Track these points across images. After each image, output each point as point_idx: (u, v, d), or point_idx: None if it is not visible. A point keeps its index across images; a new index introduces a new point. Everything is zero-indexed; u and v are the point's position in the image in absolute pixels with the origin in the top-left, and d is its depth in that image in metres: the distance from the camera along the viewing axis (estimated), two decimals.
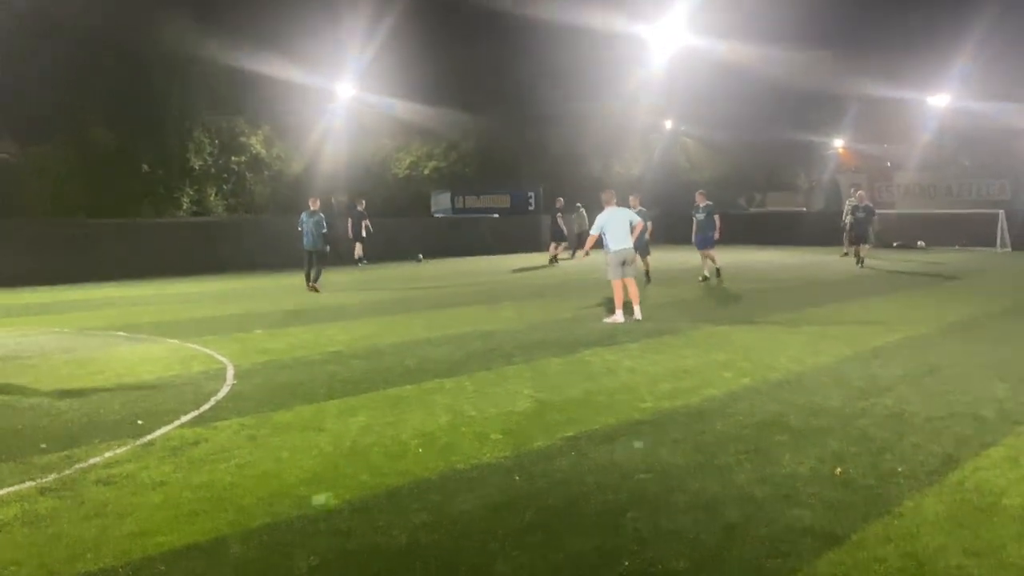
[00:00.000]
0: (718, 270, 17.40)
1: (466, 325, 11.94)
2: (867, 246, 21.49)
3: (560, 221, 25.44)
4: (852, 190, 28.28)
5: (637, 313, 11.91)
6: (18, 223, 22.90)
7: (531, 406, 7.00)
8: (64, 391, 7.86)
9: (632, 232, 11.96)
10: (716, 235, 17.30)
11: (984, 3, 35.15)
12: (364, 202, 26.70)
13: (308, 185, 33.38)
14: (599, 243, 12.34)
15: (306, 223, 17.50)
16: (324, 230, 17.66)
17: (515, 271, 22.79)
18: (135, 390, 7.86)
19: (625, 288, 11.93)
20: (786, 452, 5.61)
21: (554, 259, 25.00)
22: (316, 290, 17.32)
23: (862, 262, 20.89)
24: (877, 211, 28.73)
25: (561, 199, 26.25)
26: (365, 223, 25.66)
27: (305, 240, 17.54)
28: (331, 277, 20.56)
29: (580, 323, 11.95)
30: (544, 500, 4.83)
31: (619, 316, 11.80)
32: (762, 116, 41.24)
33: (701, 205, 17.60)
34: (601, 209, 12.24)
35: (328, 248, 18.26)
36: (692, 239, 17.77)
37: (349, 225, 25.58)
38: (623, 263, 11.85)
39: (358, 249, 25.75)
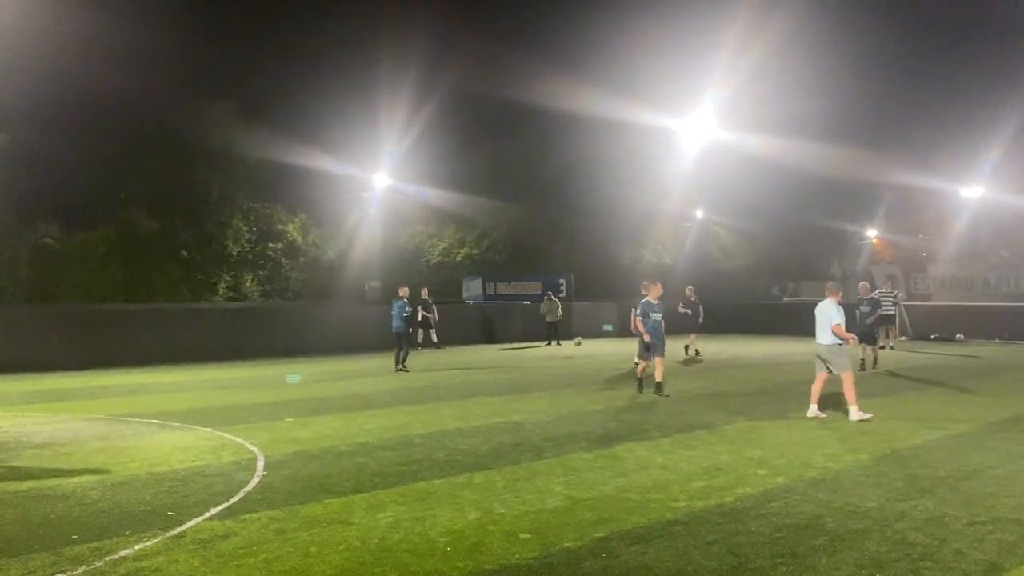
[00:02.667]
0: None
1: (496, 416, 11.90)
2: (870, 348, 18.19)
3: (686, 308, 22.55)
4: (886, 280, 28.07)
5: (853, 414, 11.14)
6: (58, 307, 23.45)
7: (561, 503, 6.91)
8: (97, 480, 7.92)
9: (828, 328, 11.32)
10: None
11: (1015, 96, 35.47)
12: (427, 290, 27.35)
13: (343, 272, 34.02)
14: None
15: (393, 308, 19.49)
16: (405, 315, 19.43)
17: (546, 359, 22.74)
18: (167, 480, 7.89)
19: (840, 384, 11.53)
20: (822, 556, 5.47)
21: (692, 349, 22.49)
22: (405, 370, 18.96)
23: (864, 364, 17.85)
24: (905, 303, 28.44)
25: (691, 287, 23.42)
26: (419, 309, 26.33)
27: (392, 323, 19.43)
28: (374, 363, 20.79)
29: (612, 415, 11.85)
30: None
31: (812, 410, 11.55)
32: (794, 205, 41.48)
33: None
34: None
35: (409, 330, 19.70)
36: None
37: (430, 311, 26.37)
38: (818, 356, 11.58)
39: (432, 335, 26.50)
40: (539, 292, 33.95)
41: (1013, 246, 34.45)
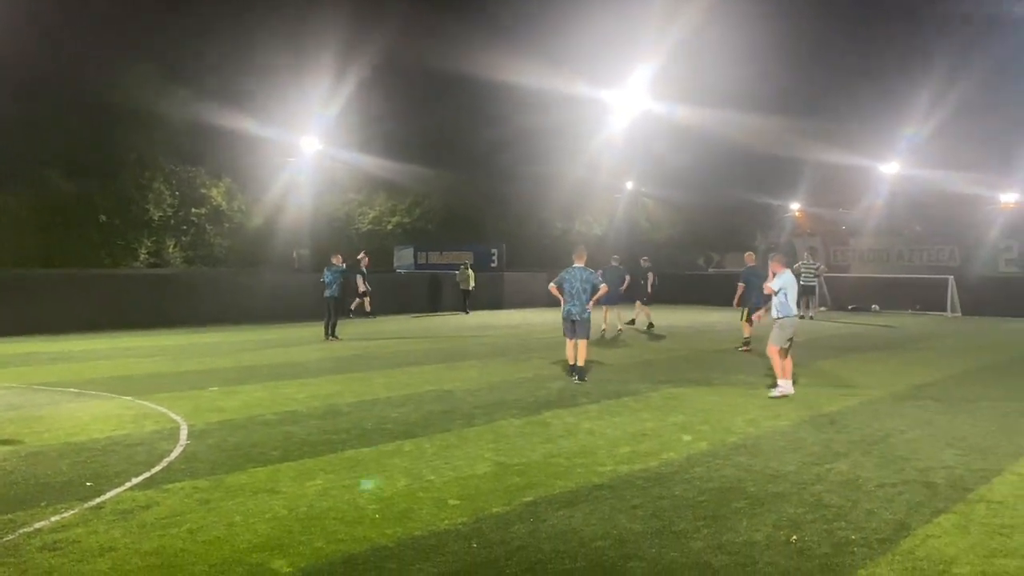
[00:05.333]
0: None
1: (426, 384, 11.89)
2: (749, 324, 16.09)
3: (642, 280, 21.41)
4: (807, 252, 28.90)
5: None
6: None
7: (490, 469, 6.96)
8: (9, 451, 7.65)
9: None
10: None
11: (928, 76, 36.69)
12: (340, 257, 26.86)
13: (271, 239, 33.30)
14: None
15: (326, 276, 19.03)
16: (325, 280, 19.00)
17: (477, 329, 22.78)
18: (85, 450, 7.67)
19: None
20: (743, 519, 5.65)
21: (631, 322, 21.87)
22: (336, 339, 18.90)
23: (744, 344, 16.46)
24: (826, 274, 29.37)
25: (645, 256, 22.90)
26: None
27: (326, 291, 19.00)
28: (303, 332, 20.53)
29: (541, 383, 11.95)
30: (501, 569, 4.79)
31: (789, 387, 10.72)
32: (720, 178, 42.33)
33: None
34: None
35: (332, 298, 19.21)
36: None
37: (360, 281, 25.75)
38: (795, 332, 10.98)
39: (366, 303, 25.92)
40: (471, 262, 33.90)
41: (926, 220, 35.76)
